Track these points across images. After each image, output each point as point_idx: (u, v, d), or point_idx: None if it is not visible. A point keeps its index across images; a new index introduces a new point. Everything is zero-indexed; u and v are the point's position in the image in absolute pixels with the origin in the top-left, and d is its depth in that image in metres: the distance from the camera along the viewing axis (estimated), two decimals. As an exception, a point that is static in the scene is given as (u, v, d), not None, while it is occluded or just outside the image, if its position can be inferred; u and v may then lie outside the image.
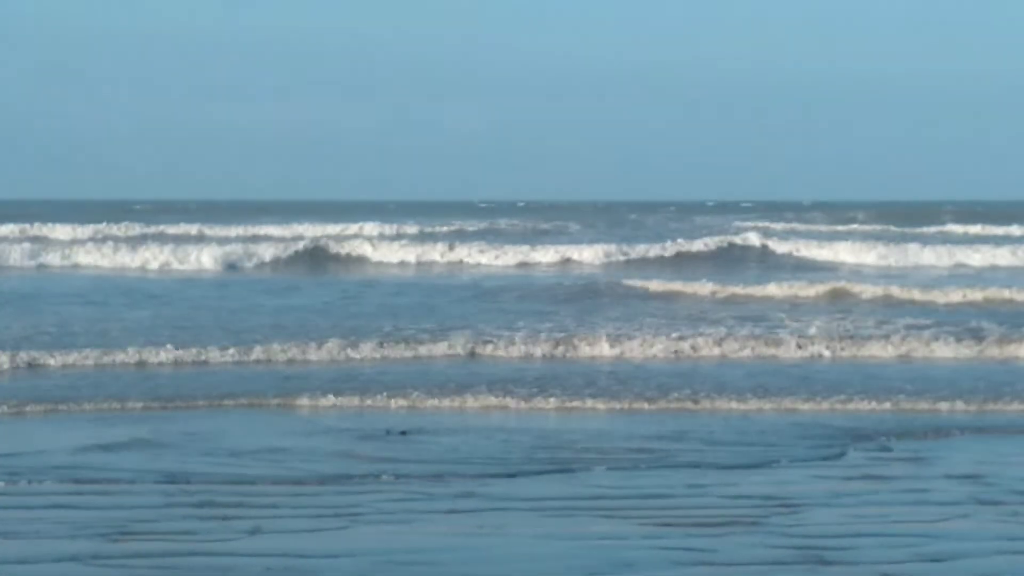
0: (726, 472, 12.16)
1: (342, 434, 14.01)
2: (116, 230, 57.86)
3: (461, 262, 43.66)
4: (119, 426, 14.28)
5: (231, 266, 41.35)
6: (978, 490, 11.45)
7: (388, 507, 10.75)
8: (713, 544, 9.54)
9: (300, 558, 9.18)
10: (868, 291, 29.22)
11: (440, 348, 20.20)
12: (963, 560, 9.19)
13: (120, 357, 19.08)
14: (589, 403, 16.00)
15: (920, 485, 11.65)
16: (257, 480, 11.68)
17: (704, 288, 29.87)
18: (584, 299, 28.86)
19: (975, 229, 60.61)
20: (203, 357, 19.26)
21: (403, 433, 13.90)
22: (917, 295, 28.64)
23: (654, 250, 45.20)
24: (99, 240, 50.06)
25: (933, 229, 61.05)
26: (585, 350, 20.20)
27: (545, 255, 43.98)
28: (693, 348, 20.36)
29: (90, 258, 43.03)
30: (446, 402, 16.04)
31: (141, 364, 18.97)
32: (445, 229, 60.33)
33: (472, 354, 20.06)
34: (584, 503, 10.91)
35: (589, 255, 44.08)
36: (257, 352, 19.48)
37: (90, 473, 11.85)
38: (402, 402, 15.97)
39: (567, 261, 43.49)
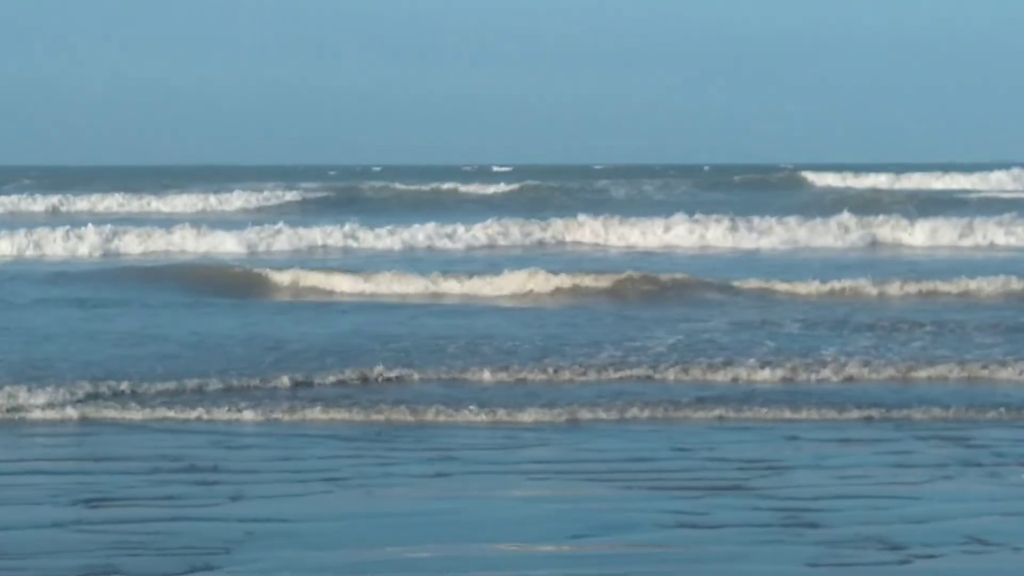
0: (710, 435, 12.15)
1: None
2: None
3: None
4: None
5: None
6: (961, 452, 11.46)
7: (372, 471, 10.73)
8: (699, 507, 9.53)
9: (283, 522, 9.16)
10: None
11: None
12: (947, 521, 9.20)
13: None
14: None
15: (903, 447, 11.66)
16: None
17: None
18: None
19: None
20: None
21: None
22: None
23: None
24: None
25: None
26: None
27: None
28: None
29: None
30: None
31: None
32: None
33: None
34: (569, 466, 10.89)
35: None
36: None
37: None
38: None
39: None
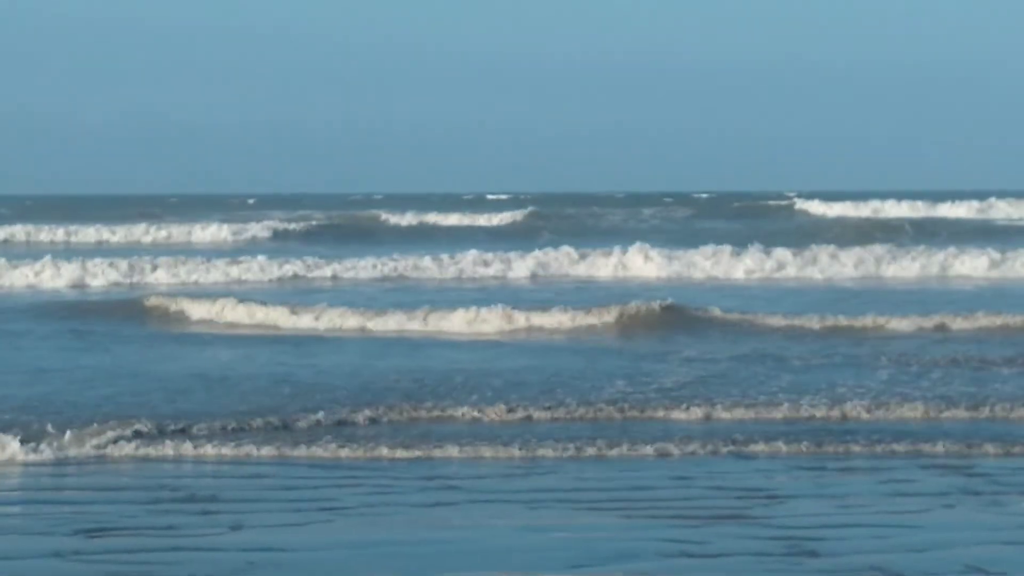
0: (710, 465, 12.15)
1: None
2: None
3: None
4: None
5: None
6: (962, 481, 11.45)
7: (372, 500, 10.72)
8: (699, 536, 9.53)
9: (283, 552, 9.15)
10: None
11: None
12: (948, 550, 9.19)
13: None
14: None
15: (904, 476, 11.65)
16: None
17: None
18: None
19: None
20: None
21: None
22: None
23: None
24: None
25: None
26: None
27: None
28: None
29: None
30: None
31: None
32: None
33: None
34: (569, 495, 10.88)
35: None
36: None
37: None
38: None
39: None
